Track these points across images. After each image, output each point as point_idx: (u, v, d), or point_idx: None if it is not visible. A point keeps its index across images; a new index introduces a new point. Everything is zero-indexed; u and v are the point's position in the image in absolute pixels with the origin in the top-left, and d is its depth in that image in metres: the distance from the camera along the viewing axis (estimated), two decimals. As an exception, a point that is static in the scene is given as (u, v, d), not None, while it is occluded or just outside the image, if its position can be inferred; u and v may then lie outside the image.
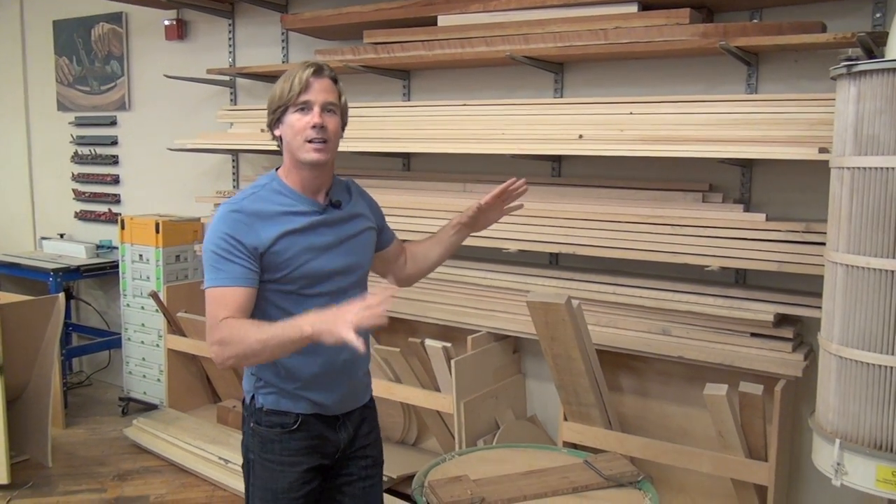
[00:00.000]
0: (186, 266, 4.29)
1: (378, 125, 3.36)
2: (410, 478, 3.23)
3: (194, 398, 4.27)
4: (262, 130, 3.58)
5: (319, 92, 1.73)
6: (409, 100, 3.53)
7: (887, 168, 1.75)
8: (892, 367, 1.77)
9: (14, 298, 3.83)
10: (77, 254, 4.73)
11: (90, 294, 5.11)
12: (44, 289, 4.53)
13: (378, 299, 1.52)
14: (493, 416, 3.03)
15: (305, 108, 1.73)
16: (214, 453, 3.58)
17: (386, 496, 3.10)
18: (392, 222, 3.30)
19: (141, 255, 4.25)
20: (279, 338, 1.57)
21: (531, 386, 3.28)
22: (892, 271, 1.76)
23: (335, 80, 1.78)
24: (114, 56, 4.73)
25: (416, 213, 3.24)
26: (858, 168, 1.81)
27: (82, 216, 5.04)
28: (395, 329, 3.45)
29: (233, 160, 4.19)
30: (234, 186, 4.19)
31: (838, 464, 1.85)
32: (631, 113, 2.75)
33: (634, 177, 2.93)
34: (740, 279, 2.80)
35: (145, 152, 4.67)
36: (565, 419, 2.79)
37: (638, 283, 2.80)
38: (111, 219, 4.81)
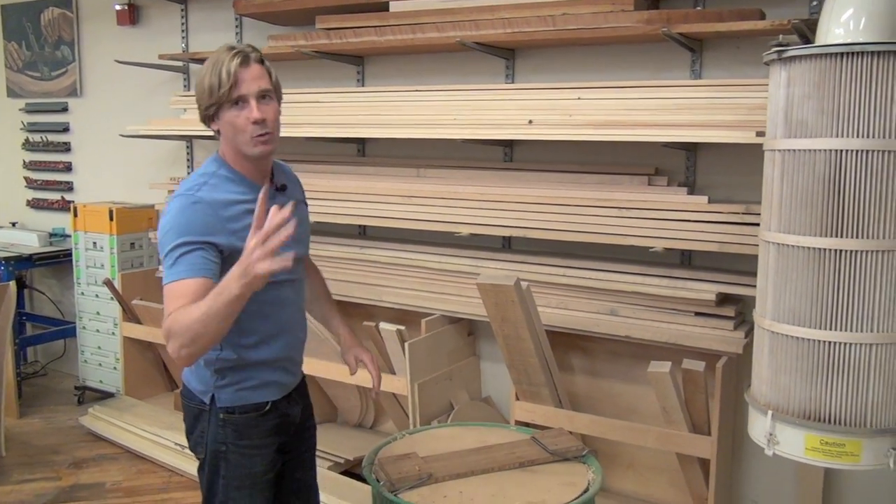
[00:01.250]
0: (141, 254, 4.26)
1: (332, 111, 3.37)
2: (365, 459, 3.29)
3: (151, 386, 4.25)
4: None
5: (251, 82, 1.67)
6: (363, 85, 3.54)
7: (814, 150, 1.82)
8: (819, 341, 1.85)
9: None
10: (29, 242, 4.66)
11: (44, 283, 5.04)
12: (-4, 277, 4.47)
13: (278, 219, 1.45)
14: (447, 398, 3.08)
15: (240, 101, 1.67)
16: (171, 439, 3.58)
17: (340, 477, 3.15)
18: (347, 209, 3.37)
19: (95, 243, 4.21)
20: (216, 308, 1.49)
21: (486, 368, 3.34)
22: (820, 249, 1.83)
23: (262, 62, 1.72)
24: (64, 41, 4.65)
25: (371, 199, 3.27)
26: (788, 150, 1.88)
27: (34, 204, 4.97)
28: (350, 313, 3.48)
29: (187, 146, 4.16)
30: (188, 172, 4.17)
31: (771, 434, 1.93)
32: (579, 98, 2.80)
33: (583, 161, 2.99)
34: (685, 260, 2.88)
35: (98, 139, 4.62)
36: (517, 399, 2.85)
37: (587, 265, 2.87)
38: (64, 206, 4.75)
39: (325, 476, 3.12)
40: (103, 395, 4.34)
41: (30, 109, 4.89)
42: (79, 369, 4.45)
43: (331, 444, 3.35)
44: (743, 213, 2.51)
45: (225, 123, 1.70)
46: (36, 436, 3.95)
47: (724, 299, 2.67)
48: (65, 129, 4.76)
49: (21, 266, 4.43)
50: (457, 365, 3.17)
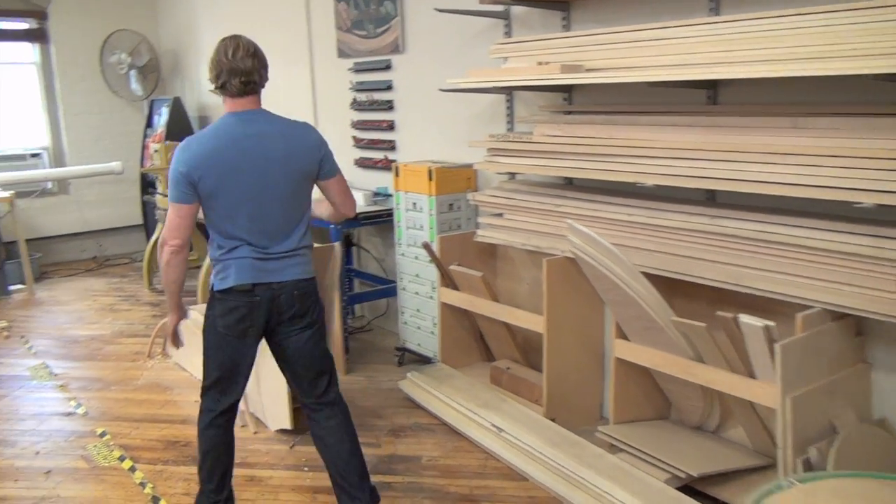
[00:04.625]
0: (459, 216, 4.05)
1: (678, 48, 2.76)
2: (711, 477, 2.72)
3: (467, 355, 4.07)
4: (541, 64, 3.15)
5: None
6: (717, 14, 2.86)
7: None
8: None
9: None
10: (356, 201, 4.72)
11: (369, 241, 5.13)
12: (326, 235, 4.59)
13: None
14: (827, 418, 2.38)
15: None
16: (487, 419, 3.33)
17: (682, 495, 2.62)
18: (691, 168, 2.76)
19: (414, 204, 4.09)
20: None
21: (879, 379, 2.55)
22: None
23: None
24: (388, -4, 4.56)
25: (723, 157, 2.64)
26: None
27: (361, 163, 5.04)
28: (693, 295, 2.90)
29: (507, 100, 3.82)
30: (507, 128, 3.83)
31: None
32: None
33: None
34: None
35: (418, 96, 4.49)
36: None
37: None
38: (386, 166, 4.74)
39: (659, 491, 2.62)
40: (421, 359, 4.27)
41: (357, 69, 4.93)
42: (399, 330, 4.44)
43: (666, 449, 2.83)
44: None
45: None
46: (360, 396, 3.98)
47: None
48: (388, 87, 4.71)
49: (348, 225, 4.48)
50: (840, 375, 2.44)
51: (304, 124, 2.61)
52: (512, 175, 3.84)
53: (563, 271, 3.29)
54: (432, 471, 3.16)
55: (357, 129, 5.03)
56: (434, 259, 3.82)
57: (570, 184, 3.59)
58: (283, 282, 2.52)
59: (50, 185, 7.27)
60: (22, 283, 6.20)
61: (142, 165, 7.11)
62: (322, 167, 2.58)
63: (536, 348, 3.70)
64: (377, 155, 4.88)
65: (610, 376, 3.20)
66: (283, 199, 2.47)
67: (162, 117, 6.92)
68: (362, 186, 4.95)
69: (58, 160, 7.33)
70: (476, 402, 3.46)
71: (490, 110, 3.98)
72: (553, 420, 3.32)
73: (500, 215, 3.70)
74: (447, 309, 3.93)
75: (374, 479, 3.08)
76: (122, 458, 3.32)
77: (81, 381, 4.25)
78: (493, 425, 3.28)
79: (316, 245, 3.78)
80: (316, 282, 2.65)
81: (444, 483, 3.06)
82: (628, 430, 3.06)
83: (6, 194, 6.01)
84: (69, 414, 3.82)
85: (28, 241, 6.23)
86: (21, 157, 7.08)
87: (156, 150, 5.79)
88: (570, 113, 3.43)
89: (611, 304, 2.99)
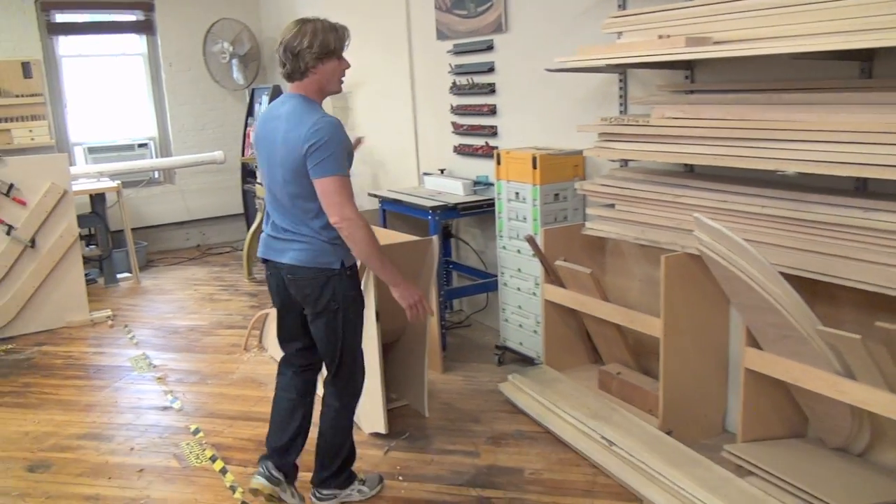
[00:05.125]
0: (566, 206, 3.76)
1: (815, 15, 2.37)
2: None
3: (572, 355, 3.78)
4: (662, 37, 2.81)
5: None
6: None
7: None
8: None
9: (393, 237, 3.68)
10: (455, 190, 4.50)
11: (468, 232, 4.90)
12: (425, 226, 4.39)
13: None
14: None
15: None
16: (597, 430, 3.04)
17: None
18: (840, 151, 2.38)
19: (517, 194, 3.82)
20: (380, 263, 2.52)
21: None
22: None
23: None
24: (490, -28, 4.29)
25: (878, 140, 2.25)
26: None
27: (460, 150, 4.80)
28: (840, 299, 2.52)
29: (620, 79, 3.48)
30: (620, 111, 3.50)
31: None
32: None
33: None
34: None
35: (522, 78, 4.20)
36: None
37: None
38: (488, 153, 4.48)
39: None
40: (523, 359, 4.01)
41: (457, 51, 4.68)
42: (500, 327, 4.19)
43: (807, 475, 2.47)
44: None
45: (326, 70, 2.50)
46: (457, 397, 3.76)
47: None
48: (489, 69, 4.44)
49: (447, 216, 4.26)
50: None
51: (309, 114, 2.44)
52: (624, 162, 3.51)
53: (683, 269, 2.96)
54: (536, 486, 2.90)
55: (456, 114, 4.79)
56: (538, 253, 3.55)
57: (690, 171, 3.23)
58: (279, 263, 2.59)
59: (157, 174, 7.41)
60: (129, 271, 6.32)
61: (242, 154, 7.13)
62: (308, 163, 2.40)
63: (650, 351, 3.38)
64: (477, 141, 4.63)
65: (735, 387, 2.85)
66: (285, 183, 2.49)
67: (262, 106, 6.90)
68: (462, 175, 4.72)
69: (164, 150, 7.46)
70: (584, 412, 3.17)
71: (601, 92, 3.65)
72: (669, 433, 3.00)
73: (611, 206, 3.38)
74: (552, 307, 3.65)
75: (473, 492, 2.87)
76: (213, 459, 3.22)
77: (178, 374, 4.22)
78: (604, 437, 2.99)
79: (414, 238, 3.59)
80: (319, 273, 2.52)
81: (549, 501, 2.80)
82: (760, 450, 2.71)
83: (114, 184, 6.12)
84: (165, 408, 3.77)
85: (134, 229, 6.34)
86: (129, 148, 7.23)
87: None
88: (692, 92, 3.08)
89: (741, 308, 2.64)
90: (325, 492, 2.82)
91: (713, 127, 2.76)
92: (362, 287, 2.90)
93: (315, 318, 2.60)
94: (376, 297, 3.18)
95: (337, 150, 2.39)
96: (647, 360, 3.50)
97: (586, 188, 3.44)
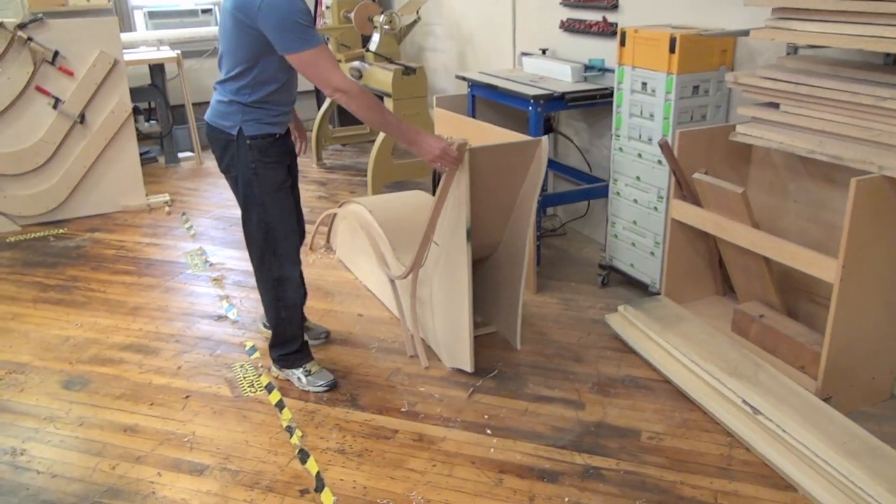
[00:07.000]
0: (706, 103, 3.00)
1: None
2: None
3: (698, 286, 3.13)
4: None
5: None
6: None
7: None
8: None
9: (488, 134, 3.01)
10: (561, 76, 3.74)
11: (571, 126, 4.17)
12: (522, 117, 3.70)
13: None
14: None
15: None
16: (736, 392, 2.43)
17: None
18: None
19: (645, 84, 3.07)
20: (395, 125, 2.43)
21: None
22: None
23: None
24: None
25: None
26: None
27: (569, 26, 3.98)
28: None
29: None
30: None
31: None
32: None
33: None
34: None
35: (658, -66, 3.34)
36: None
37: None
38: (605, 30, 3.68)
39: None
40: (632, 283, 3.39)
41: None
42: (606, 244, 3.54)
43: None
44: None
45: None
46: (554, 326, 3.18)
47: None
48: (614, -77, 3.58)
49: (551, 107, 3.53)
50: None
51: None
52: (794, 49, 2.71)
53: (878, 198, 2.24)
54: (657, 456, 2.34)
55: (566, -19, 3.96)
56: (672, 162, 2.84)
57: (894, 65, 2.43)
58: (206, 118, 2.57)
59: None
60: (191, 150, 5.84)
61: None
62: (266, 33, 2.27)
63: (798, 289, 2.72)
64: (593, 16, 3.81)
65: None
66: (224, 37, 2.41)
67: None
68: (569, 57, 3.95)
69: (230, 17, 6.80)
70: (720, 365, 2.55)
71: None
72: (828, 400, 2.38)
73: (775, 106, 2.61)
74: (679, 227, 2.97)
75: (579, 458, 2.33)
76: (269, 388, 2.76)
77: (237, 275, 3.76)
78: (746, 402, 2.38)
79: (519, 138, 2.91)
80: (220, 134, 2.49)
81: (674, 480, 2.23)
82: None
83: (174, 54, 5.54)
84: (220, 318, 3.32)
85: (196, 104, 5.79)
86: (193, 13, 6.58)
87: (327, 7, 5.05)
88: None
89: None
90: (273, 359, 2.82)
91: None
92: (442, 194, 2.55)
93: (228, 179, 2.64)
94: (467, 212, 2.56)
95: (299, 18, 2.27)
96: (796, 299, 2.83)
97: (743, 81, 2.66)
